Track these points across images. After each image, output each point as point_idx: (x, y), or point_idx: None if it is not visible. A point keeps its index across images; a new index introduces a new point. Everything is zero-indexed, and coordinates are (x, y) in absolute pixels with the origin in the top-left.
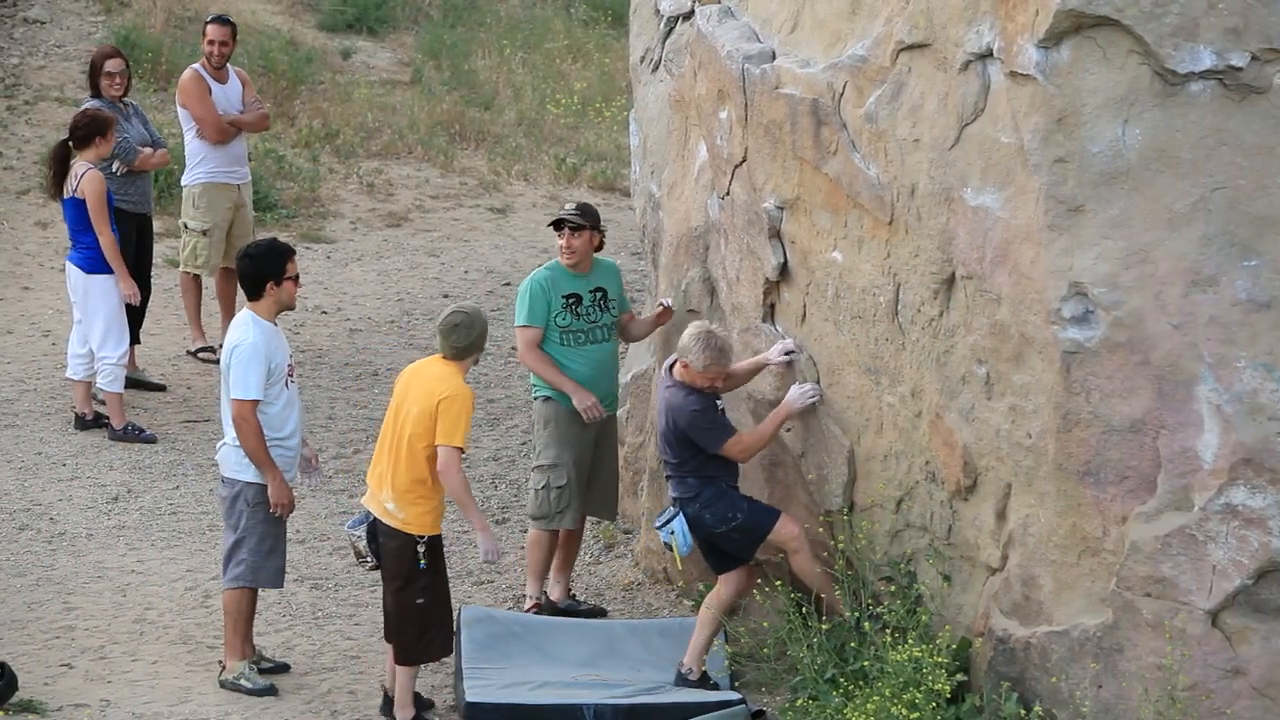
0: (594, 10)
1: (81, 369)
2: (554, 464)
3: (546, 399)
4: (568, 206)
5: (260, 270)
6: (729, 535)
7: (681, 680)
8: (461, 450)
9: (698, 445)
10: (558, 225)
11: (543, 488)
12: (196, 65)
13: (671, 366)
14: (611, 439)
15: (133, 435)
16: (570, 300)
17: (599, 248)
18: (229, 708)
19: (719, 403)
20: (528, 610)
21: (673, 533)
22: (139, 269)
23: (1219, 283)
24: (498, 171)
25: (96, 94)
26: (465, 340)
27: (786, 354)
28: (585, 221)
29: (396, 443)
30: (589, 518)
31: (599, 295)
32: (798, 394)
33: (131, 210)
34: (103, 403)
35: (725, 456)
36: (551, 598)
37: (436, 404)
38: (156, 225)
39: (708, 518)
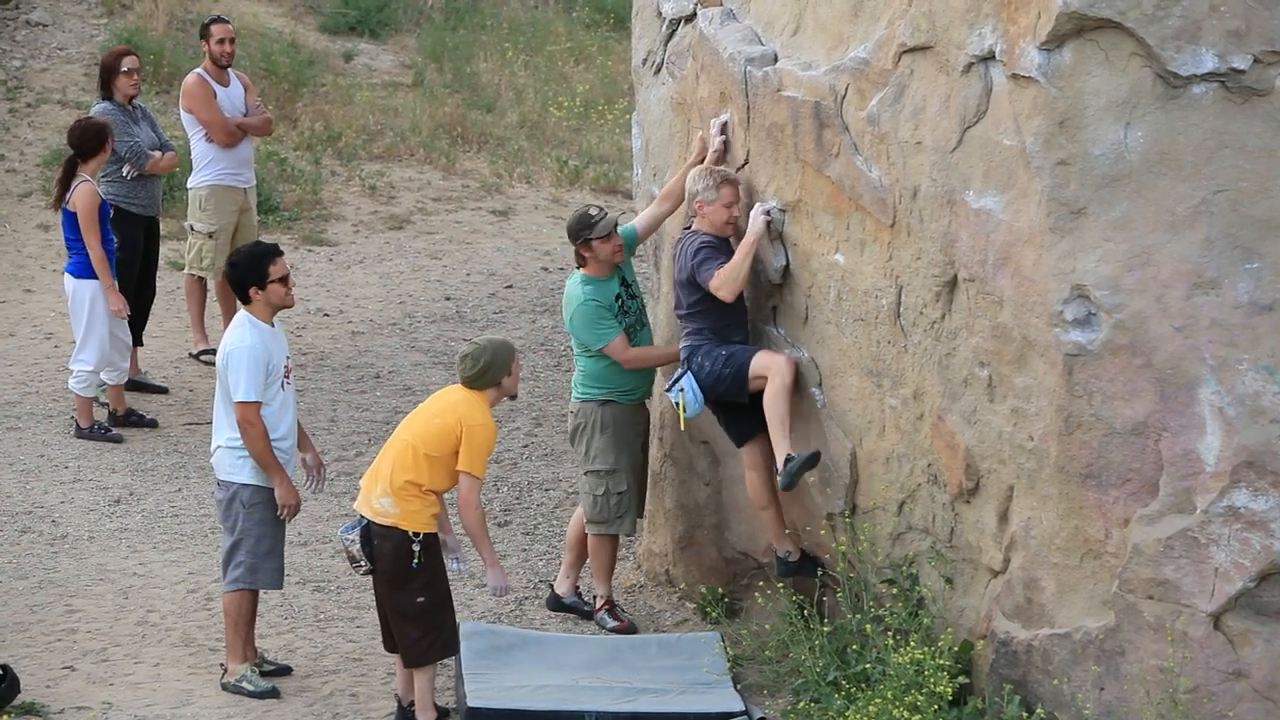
0: (596, 13)
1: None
2: (613, 469)
3: (604, 402)
4: (594, 209)
5: (241, 277)
6: (722, 376)
7: (783, 564)
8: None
9: (702, 289)
10: (606, 232)
11: (602, 494)
12: (200, 70)
13: (688, 226)
14: (648, 435)
15: (98, 434)
16: (618, 301)
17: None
18: (231, 710)
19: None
20: (599, 609)
21: (681, 390)
22: (145, 272)
23: (1221, 285)
24: (500, 174)
25: (108, 96)
26: (470, 370)
27: (765, 213)
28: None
29: (401, 447)
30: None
31: (625, 286)
32: (754, 216)
33: (140, 213)
34: (110, 411)
35: (729, 315)
36: (558, 590)
37: (462, 428)
38: (160, 228)
39: (707, 365)
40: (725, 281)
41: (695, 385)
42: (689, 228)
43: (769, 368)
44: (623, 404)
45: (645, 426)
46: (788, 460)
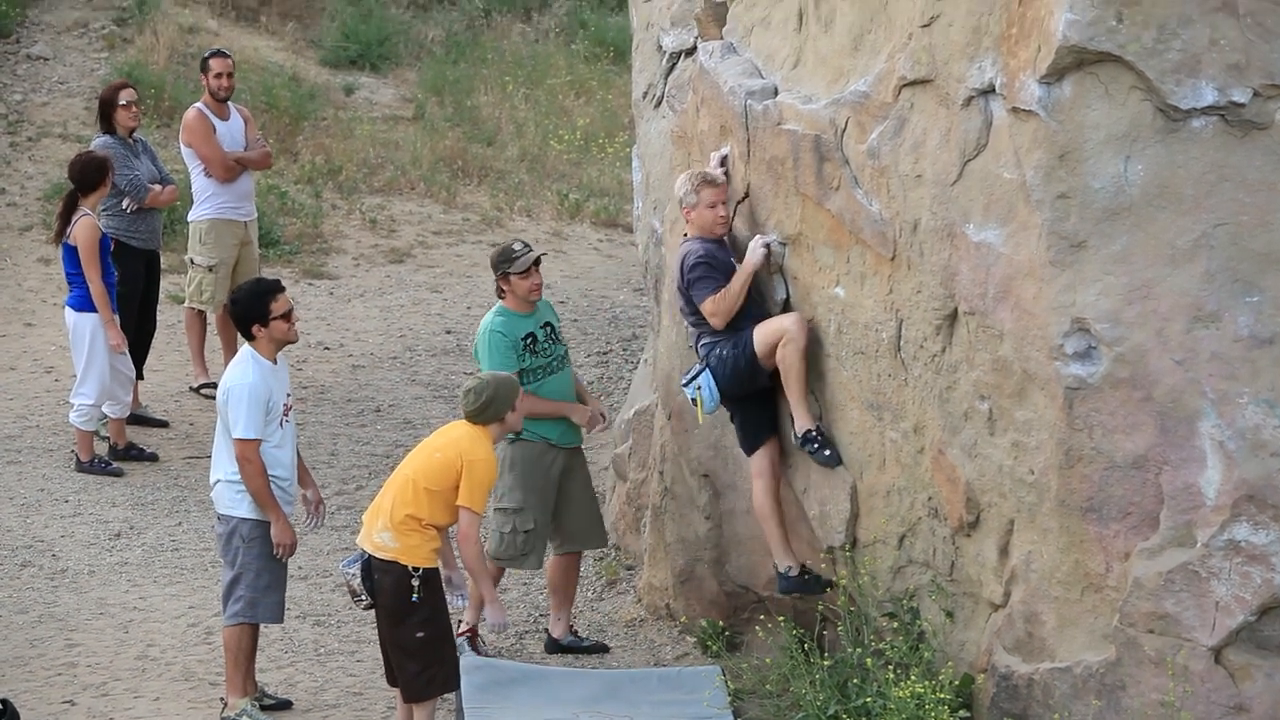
0: (596, 46)
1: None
2: (520, 508)
3: (511, 441)
4: (519, 244)
5: (244, 314)
6: (730, 364)
7: (784, 580)
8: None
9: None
10: (524, 269)
11: (509, 531)
12: (199, 104)
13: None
14: (580, 468)
15: (99, 468)
16: (528, 340)
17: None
18: None
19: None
20: (461, 634)
21: (699, 387)
22: (146, 306)
23: (1221, 319)
24: (500, 207)
25: (108, 130)
26: (473, 404)
27: (765, 245)
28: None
29: (402, 482)
30: (587, 552)
31: (549, 330)
32: (752, 247)
33: (141, 247)
34: (111, 445)
35: (741, 316)
36: (554, 634)
37: (463, 462)
38: (160, 261)
39: (722, 354)
40: (719, 310)
41: (713, 381)
42: (686, 234)
43: (777, 332)
44: (530, 441)
45: (563, 467)
46: (807, 434)
